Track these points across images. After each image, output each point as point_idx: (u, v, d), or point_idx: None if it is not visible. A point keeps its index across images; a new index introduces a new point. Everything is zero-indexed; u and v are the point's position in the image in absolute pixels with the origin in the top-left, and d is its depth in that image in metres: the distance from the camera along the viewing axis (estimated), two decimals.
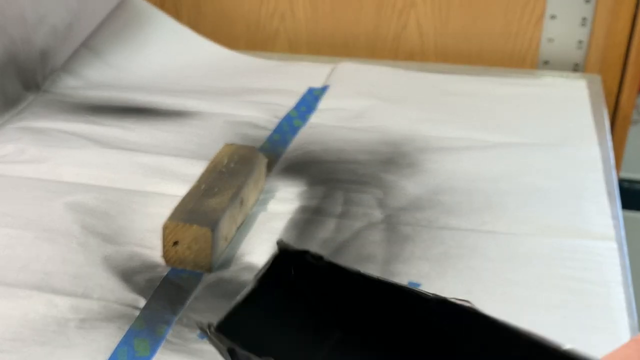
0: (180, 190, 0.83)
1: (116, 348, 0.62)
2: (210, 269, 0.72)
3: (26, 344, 0.62)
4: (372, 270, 0.73)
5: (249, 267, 0.73)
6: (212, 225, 0.71)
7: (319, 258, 0.51)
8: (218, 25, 1.37)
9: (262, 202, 0.83)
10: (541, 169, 0.91)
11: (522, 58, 1.30)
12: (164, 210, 0.80)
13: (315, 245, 0.76)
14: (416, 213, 0.82)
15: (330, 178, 0.88)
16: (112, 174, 0.88)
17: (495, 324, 0.43)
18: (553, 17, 1.27)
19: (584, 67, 1.28)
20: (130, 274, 0.71)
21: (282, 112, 1.05)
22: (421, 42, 1.32)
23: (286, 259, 0.52)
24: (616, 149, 1.24)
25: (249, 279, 0.71)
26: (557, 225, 0.80)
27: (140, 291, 0.69)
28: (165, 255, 0.73)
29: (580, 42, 1.28)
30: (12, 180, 0.86)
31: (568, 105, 1.11)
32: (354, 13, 1.32)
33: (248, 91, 1.12)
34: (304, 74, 1.21)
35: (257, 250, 0.75)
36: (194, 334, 0.64)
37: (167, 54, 1.24)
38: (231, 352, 0.47)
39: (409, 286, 0.46)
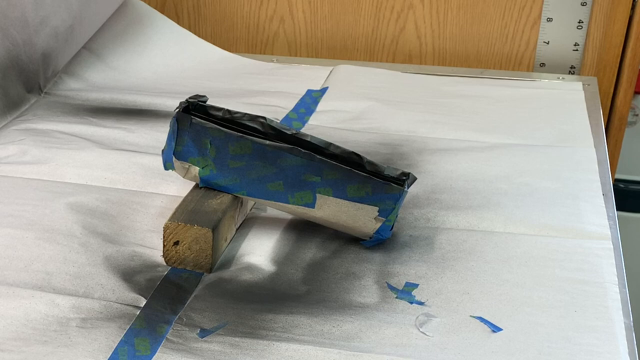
0: (180, 190, 0.83)
1: (117, 347, 0.63)
2: (210, 269, 0.73)
3: (28, 343, 0.63)
4: (371, 270, 0.73)
5: (248, 267, 0.73)
6: (213, 225, 0.72)
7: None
8: (218, 28, 1.38)
9: (261, 203, 0.84)
10: (538, 169, 0.92)
11: (518, 60, 1.31)
12: (165, 211, 0.81)
13: (314, 246, 0.77)
14: (414, 210, 0.82)
15: None
16: (113, 175, 0.88)
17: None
18: (549, 19, 1.28)
19: (580, 70, 1.29)
20: (131, 274, 0.72)
21: (281, 114, 1.06)
22: (419, 45, 1.33)
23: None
24: (612, 150, 1.25)
25: (249, 279, 0.72)
26: (553, 225, 0.81)
27: (140, 291, 0.70)
28: (165, 255, 0.73)
29: (576, 44, 1.28)
30: (14, 181, 0.87)
31: (564, 106, 1.11)
32: (352, 16, 1.33)
33: (247, 93, 1.13)
34: (303, 76, 1.21)
35: (257, 251, 0.76)
36: (194, 333, 0.65)
37: (168, 57, 1.25)
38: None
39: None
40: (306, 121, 1.05)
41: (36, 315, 0.66)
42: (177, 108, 0.76)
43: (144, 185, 0.87)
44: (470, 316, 0.67)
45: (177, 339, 0.64)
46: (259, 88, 1.16)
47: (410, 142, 0.99)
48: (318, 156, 0.74)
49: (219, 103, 0.80)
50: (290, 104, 1.10)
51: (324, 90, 1.14)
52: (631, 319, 0.68)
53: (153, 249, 0.76)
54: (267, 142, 0.74)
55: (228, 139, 0.74)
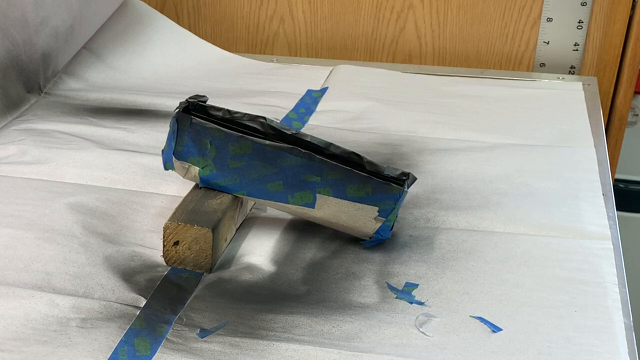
0: (180, 190, 0.83)
1: (117, 347, 0.63)
2: (210, 269, 0.73)
3: (28, 343, 0.63)
4: (371, 270, 0.73)
5: (248, 267, 0.73)
6: (213, 225, 0.72)
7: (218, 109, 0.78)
8: (218, 28, 1.38)
9: (261, 203, 0.84)
10: (538, 169, 0.92)
11: (518, 60, 1.31)
12: (165, 211, 0.81)
13: (314, 246, 0.77)
14: (414, 210, 0.82)
15: None
16: (113, 175, 0.88)
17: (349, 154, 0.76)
18: (549, 19, 1.28)
19: (580, 70, 1.29)
20: (131, 274, 0.72)
21: (281, 114, 1.06)
22: (419, 45, 1.33)
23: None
24: (612, 150, 1.25)
25: (249, 279, 0.72)
26: (553, 225, 0.81)
27: (140, 291, 0.70)
28: (165, 255, 0.74)
29: (576, 44, 1.28)
30: (14, 181, 0.87)
31: (564, 107, 1.12)
32: (352, 16, 1.33)
33: (247, 93, 1.13)
34: (303, 76, 1.21)
35: (257, 251, 0.76)
36: (194, 333, 0.65)
37: (168, 57, 1.25)
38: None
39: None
40: (306, 121, 1.05)
41: (36, 315, 0.66)
42: (177, 108, 0.76)
43: (144, 185, 0.87)
44: (470, 316, 0.67)
45: (177, 339, 0.64)
46: (259, 88, 1.16)
47: (410, 142, 0.99)
48: (318, 156, 0.74)
49: (219, 103, 0.80)
50: (290, 104, 1.10)
51: (324, 90, 1.14)
52: (631, 319, 0.68)
53: (153, 249, 0.76)
54: (267, 142, 0.75)
55: (228, 139, 0.75)
